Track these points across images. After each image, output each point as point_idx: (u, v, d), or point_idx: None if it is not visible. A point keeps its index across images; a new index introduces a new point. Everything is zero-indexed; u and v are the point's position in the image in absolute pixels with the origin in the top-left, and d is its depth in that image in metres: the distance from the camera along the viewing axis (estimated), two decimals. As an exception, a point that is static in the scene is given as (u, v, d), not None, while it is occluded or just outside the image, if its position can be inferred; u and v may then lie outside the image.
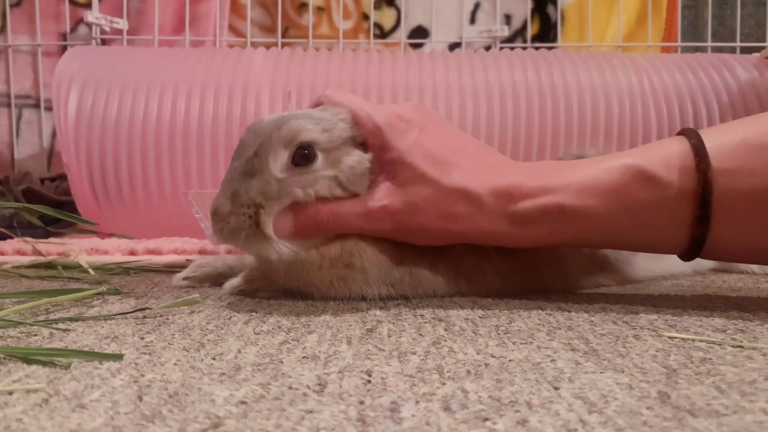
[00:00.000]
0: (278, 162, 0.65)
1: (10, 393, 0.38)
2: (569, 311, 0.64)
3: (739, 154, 0.61)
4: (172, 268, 0.95)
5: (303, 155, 0.66)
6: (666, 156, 0.63)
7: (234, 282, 0.75)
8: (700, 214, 0.62)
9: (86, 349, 0.49)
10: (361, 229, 0.68)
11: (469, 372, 0.43)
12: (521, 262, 0.74)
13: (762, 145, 0.61)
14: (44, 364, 0.45)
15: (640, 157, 0.64)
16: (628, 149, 0.70)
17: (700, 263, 0.94)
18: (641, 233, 0.66)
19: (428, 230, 0.67)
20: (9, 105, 1.83)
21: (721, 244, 0.64)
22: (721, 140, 0.63)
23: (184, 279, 0.82)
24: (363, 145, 0.69)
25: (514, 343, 0.51)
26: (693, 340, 0.52)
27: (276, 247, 0.65)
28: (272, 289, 0.74)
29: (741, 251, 0.67)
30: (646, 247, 0.70)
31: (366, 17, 1.92)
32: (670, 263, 0.89)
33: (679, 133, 0.66)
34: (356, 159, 0.68)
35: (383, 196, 0.67)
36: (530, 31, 1.89)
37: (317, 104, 0.74)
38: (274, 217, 0.65)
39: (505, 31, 1.79)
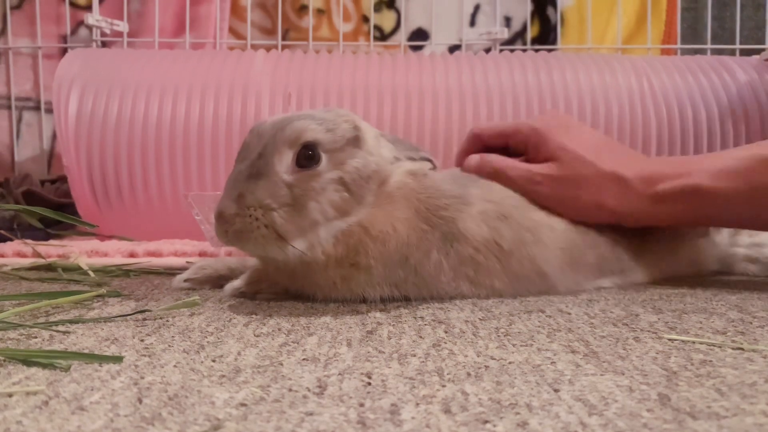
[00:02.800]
0: (283, 163, 0.65)
1: (10, 395, 0.38)
2: (569, 314, 0.64)
3: None
4: (172, 271, 0.95)
5: (307, 156, 0.66)
6: None
7: (235, 284, 0.75)
8: None
9: (86, 351, 0.49)
10: (521, 187, 0.80)
11: (469, 374, 0.43)
12: (529, 266, 0.74)
13: None
14: (44, 366, 0.44)
15: (766, 147, 0.75)
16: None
17: (701, 265, 0.94)
18: (765, 214, 0.75)
19: (582, 202, 0.79)
20: (9, 107, 1.83)
21: None
22: None
23: (185, 281, 0.82)
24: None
25: (514, 345, 0.51)
26: (693, 342, 0.52)
27: (287, 248, 0.64)
28: (273, 291, 0.74)
29: None
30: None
31: (366, 19, 1.92)
32: (672, 266, 0.89)
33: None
34: (361, 161, 0.68)
35: (547, 168, 0.80)
36: (530, 34, 1.89)
37: (469, 143, 0.89)
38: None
39: (505, 34, 1.79)
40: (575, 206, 0.80)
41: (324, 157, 0.66)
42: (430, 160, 0.75)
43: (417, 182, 0.72)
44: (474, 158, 0.86)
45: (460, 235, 0.71)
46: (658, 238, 0.86)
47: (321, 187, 0.65)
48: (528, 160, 0.83)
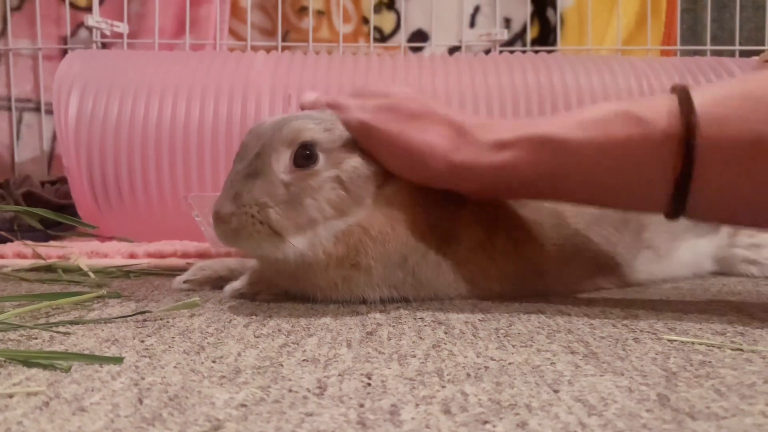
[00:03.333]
0: (281, 162, 0.66)
1: (11, 396, 0.38)
2: (569, 314, 0.64)
3: (728, 103, 0.61)
4: (172, 272, 0.95)
5: (304, 155, 0.66)
6: (653, 102, 0.63)
7: (235, 285, 0.75)
8: (684, 155, 0.60)
9: (86, 352, 0.49)
10: (352, 123, 0.69)
11: (468, 375, 0.43)
12: (526, 265, 0.74)
13: (751, 95, 0.61)
14: (44, 367, 0.45)
15: (628, 103, 0.64)
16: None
17: (701, 266, 0.94)
18: (623, 175, 0.64)
19: (413, 145, 0.67)
20: (9, 108, 1.83)
21: (705, 195, 0.62)
22: (711, 91, 0.63)
23: (185, 282, 0.82)
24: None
25: (513, 346, 0.51)
26: (692, 343, 0.52)
27: (284, 245, 0.65)
28: (273, 292, 0.74)
29: (725, 205, 0.63)
30: (630, 196, 0.66)
31: (366, 21, 1.93)
32: (671, 266, 0.89)
33: (672, 90, 0.65)
34: (359, 161, 0.68)
35: (376, 99, 0.70)
36: (530, 35, 1.89)
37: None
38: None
39: (505, 35, 1.80)
40: (406, 151, 0.67)
41: (321, 157, 0.66)
42: None
43: (414, 185, 0.72)
44: (310, 95, 0.78)
45: (455, 237, 0.72)
46: (654, 234, 0.86)
47: (318, 185, 0.66)
48: None
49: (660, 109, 0.62)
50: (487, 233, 0.73)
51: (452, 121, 0.68)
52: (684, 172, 0.60)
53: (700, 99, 0.61)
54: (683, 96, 0.62)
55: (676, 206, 0.63)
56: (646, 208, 0.68)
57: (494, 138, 0.66)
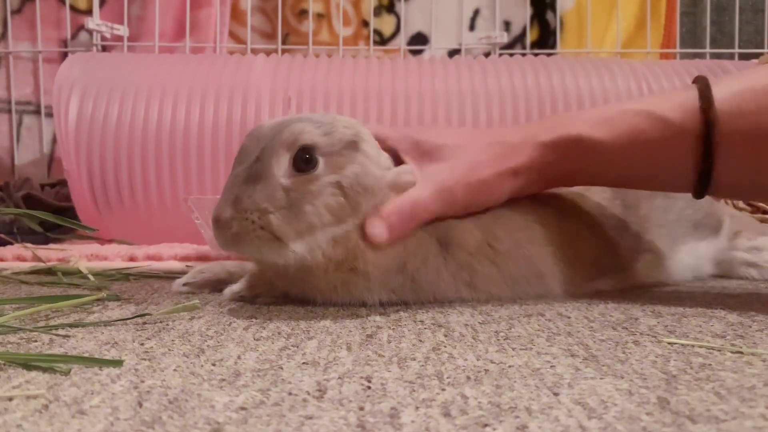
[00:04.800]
0: (281, 166, 0.65)
1: (10, 399, 0.38)
2: (569, 317, 0.64)
3: (744, 98, 0.66)
4: (172, 274, 0.95)
5: (304, 159, 0.65)
6: (674, 100, 0.70)
7: (234, 288, 0.75)
8: (704, 150, 0.67)
9: (86, 355, 0.49)
10: (459, 207, 0.72)
11: (468, 378, 0.43)
12: (527, 267, 0.74)
13: (765, 89, 0.66)
14: (44, 370, 0.45)
15: (650, 103, 0.71)
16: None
17: (701, 269, 0.94)
18: (652, 169, 0.72)
19: (491, 186, 0.73)
20: (10, 111, 1.83)
21: (726, 180, 0.69)
22: (728, 85, 0.68)
23: (184, 285, 0.82)
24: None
25: (513, 349, 0.51)
26: (692, 345, 0.52)
27: (285, 251, 0.64)
28: (273, 295, 0.74)
29: (746, 187, 0.72)
30: (659, 183, 0.75)
31: (366, 24, 1.93)
32: (671, 269, 0.89)
33: (693, 82, 0.71)
34: (360, 168, 0.67)
35: (439, 174, 0.72)
36: (529, 38, 1.90)
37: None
38: (369, 227, 0.67)
39: (505, 38, 1.80)
40: (481, 190, 0.72)
41: (321, 161, 0.66)
42: None
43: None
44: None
45: (454, 241, 0.72)
46: (654, 238, 0.86)
47: (318, 191, 0.65)
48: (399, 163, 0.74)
49: (679, 107, 0.68)
50: (487, 236, 0.73)
51: (502, 142, 0.74)
52: (705, 163, 0.67)
53: (720, 93, 0.67)
54: (703, 90, 0.67)
55: (701, 190, 0.71)
56: (674, 191, 0.79)
57: (538, 142, 0.73)
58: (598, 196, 0.85)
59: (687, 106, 0.67)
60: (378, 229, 0.67)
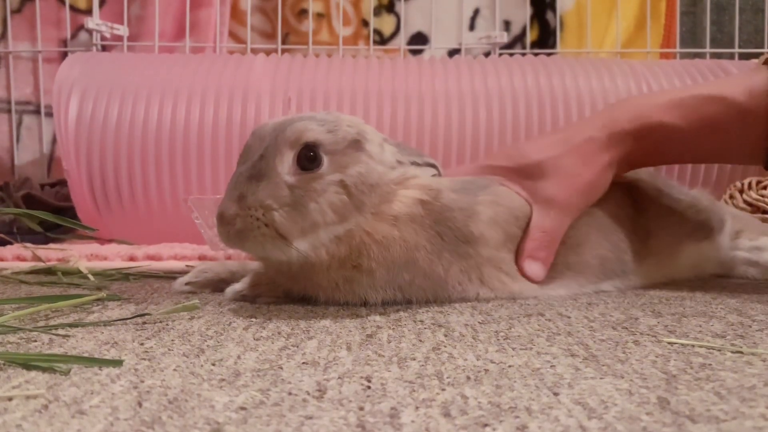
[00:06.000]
0: (285, 164, 0.65)
1: (10, 399, 0.38)
2: (569, 317, 0.64)
3: None
4: (171, 274, 0.95)
5: (308, 157, 0.65)
6: (744, 84, 0.76)
7: (236, 287, 0.75)
8: None
9: (86, 355, 0.49)
10: (578, 211, 0.80)
11: (468, 378, 0.43)
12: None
13: None
14: (44, 369, 0.45)
15: (721, 87, 0.78)
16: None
17: (702, 269, 0.94)
18: (724, 149, 0.81)
19: (587, 180, 0.79)
20: (9, 111, 1.83)
21: None
22: None
23: (187, 284, 0.82)
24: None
25: (513, 348, 0.51)
26: (692, 345, 0.52)
27: (288, 248, 0.64)
28: (274, 295, 0.73)
29: None
30: (730, 159, 0.88)
31: (366, 24, 1.93)
32: (673, 270, 0.89)
33: (764, 63, 0.78)
34: (364, 167, 0.67)
35: (542, 189, 0.79)
36: (529, 38, 1.90)
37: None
38: (528, 271, 0.76)
39: (505, 38, 1.80)
40: (590, 190, 0.80)
41: (325, 159, 0.66)
42: (434, 166, 0.75)
43: (426, 209, 0.70)
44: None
45: (472, 239, 0.72)
46: (659, 240, 0.86)
47: (322, 189, 0.65)
48: None
49: (750, 90, 0.75)
50: (505, 235, 0.74)
51: (589, 139, 0.81)
52: None
53: None
54: None
55: None
56: (743, 164, 0.93)
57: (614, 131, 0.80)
58: (611, 200, 0.85)
59: (756, 90, 0.74)
60: (537, 269, 0.76)
